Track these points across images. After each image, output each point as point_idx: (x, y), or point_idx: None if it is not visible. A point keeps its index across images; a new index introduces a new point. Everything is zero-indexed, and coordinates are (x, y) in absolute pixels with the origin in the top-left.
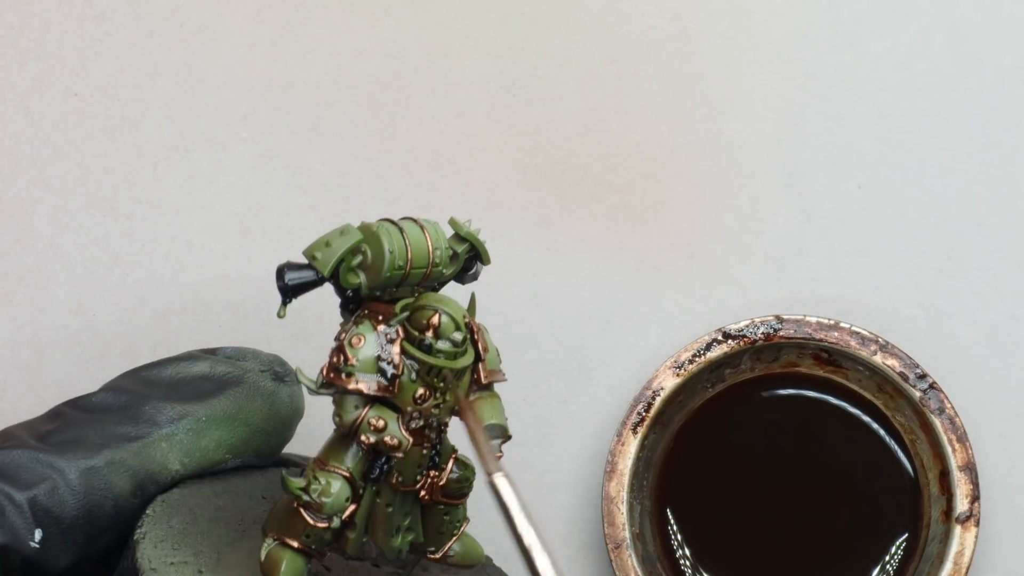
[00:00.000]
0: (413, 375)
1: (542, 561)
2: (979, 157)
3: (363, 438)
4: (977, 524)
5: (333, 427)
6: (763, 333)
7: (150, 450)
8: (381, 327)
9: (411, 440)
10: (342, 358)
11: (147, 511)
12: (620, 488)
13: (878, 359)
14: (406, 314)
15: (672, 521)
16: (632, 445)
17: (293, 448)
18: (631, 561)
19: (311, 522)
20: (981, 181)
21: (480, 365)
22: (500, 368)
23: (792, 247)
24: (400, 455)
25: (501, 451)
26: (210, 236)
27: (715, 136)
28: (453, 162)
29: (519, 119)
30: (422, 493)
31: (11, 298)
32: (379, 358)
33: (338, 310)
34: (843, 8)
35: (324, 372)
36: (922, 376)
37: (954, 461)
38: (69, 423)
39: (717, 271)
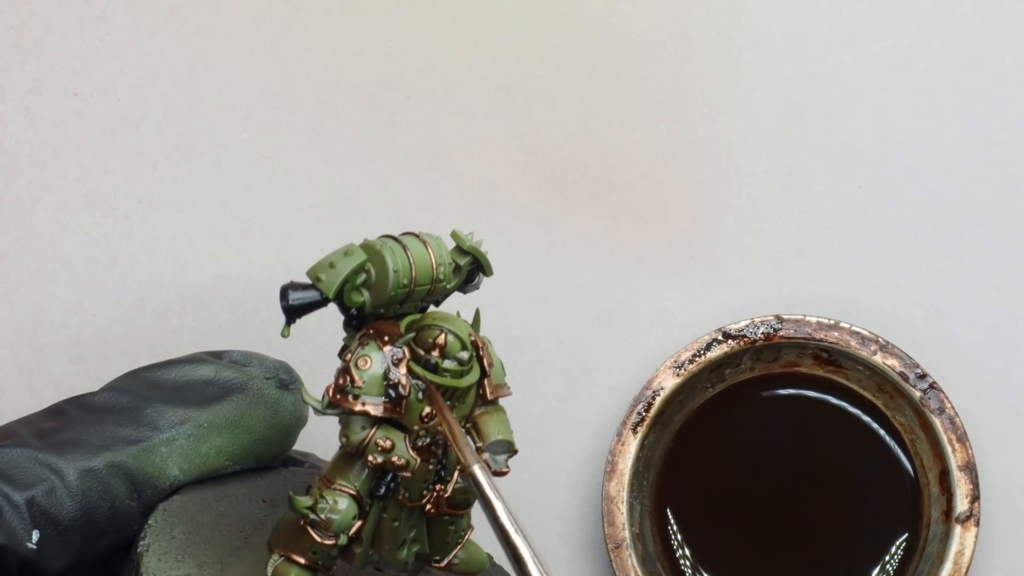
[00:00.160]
0: (420, 394)
1: (518, 540)
2: (979, 157)
3: (371, 458)
4: (977, 524)
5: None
6: (763, 333)
7: (150, 454)
8: (387, 348)
9: (419, 460)
10: (348, 379)
11: (149, 521)
12: (620, 488)
13: (878, 359)
14: (412, 334)
15: (672, 521)
16: (632, 445)
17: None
18: (631, 561)
19: (318, 539)
20: (981, 181)
21: (486, 381)
22: (505, 382)
23: (792, 247)
24: (408, 474)
25: (508, 467)
26: (210, 236)
27: (715, 136)
28: (453, 162)
29: (519, 119)
30: (428, 507)
31: (11, 298)
32: (386, 379)
33: (338, 310)
34: (843, 8)
35: (330, 393)
36: (922, 376)
37: (954, 461)
38: (70, 422)
39: (717, 271)
